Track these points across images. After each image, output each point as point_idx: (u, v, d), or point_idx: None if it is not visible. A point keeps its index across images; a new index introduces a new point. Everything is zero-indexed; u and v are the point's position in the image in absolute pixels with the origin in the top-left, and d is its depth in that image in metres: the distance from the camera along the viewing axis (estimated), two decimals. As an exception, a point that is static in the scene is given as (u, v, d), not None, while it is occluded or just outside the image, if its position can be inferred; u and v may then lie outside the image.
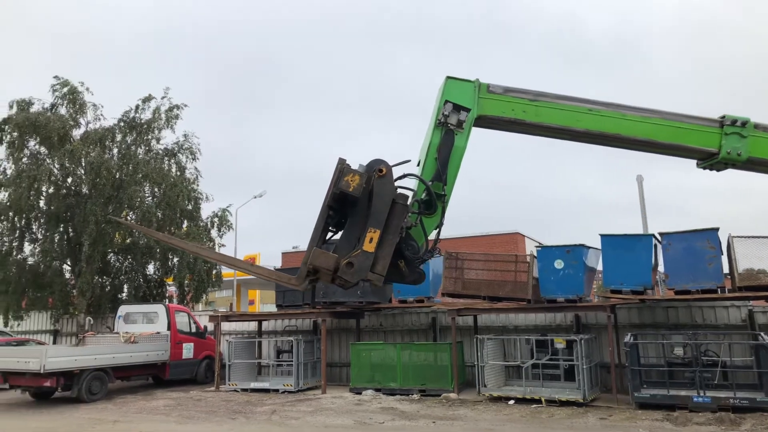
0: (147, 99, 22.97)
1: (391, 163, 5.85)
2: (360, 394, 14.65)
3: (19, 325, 22.16)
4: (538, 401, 12.61)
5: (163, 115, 23.06)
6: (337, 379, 17.20)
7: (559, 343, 13.25)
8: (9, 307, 20.98)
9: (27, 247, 21.76)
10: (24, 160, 21.20)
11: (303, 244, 30.09)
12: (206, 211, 24.01)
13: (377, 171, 5.64)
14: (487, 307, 14.52)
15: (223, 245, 24.74)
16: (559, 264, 13.27)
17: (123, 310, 18.28)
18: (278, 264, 31.28)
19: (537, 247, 14.23)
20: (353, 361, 15.32)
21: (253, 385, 15.94)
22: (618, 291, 12.88)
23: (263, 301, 42.43)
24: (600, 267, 14.02)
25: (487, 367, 13.60)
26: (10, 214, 20.74)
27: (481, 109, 6.51)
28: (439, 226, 6.15)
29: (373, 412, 12.23)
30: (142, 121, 22.88)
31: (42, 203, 21.48)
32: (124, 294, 23.03)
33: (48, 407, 13.97)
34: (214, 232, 24.07)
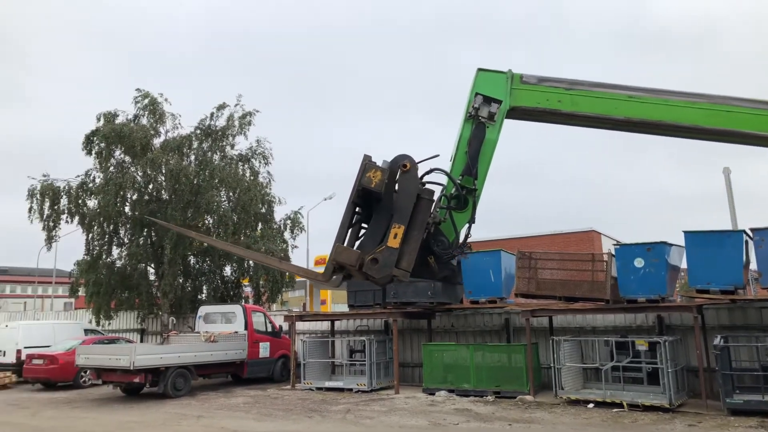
0: (221, 107, 23.87)
1: (425, 159, 5.76)
2: (433, 394, 14.59)
3: (109, 324, 23.57)
4: (620, 405, 12.10)
5: (236, 122, 23.90)
6: (410, 379, 17.21)
7: (641, 345, 12.68)
8: (100, 307, 22.36)
9: (115, 251, 23.15)
10: (111, 169, 22.53)
11: (372, 245, 30.26)
12: (279, 213, 24.72)
13: (401, 166, 5.54)
14: (563, 308, 14.10)
15: (296, 246, 25.37)
16: (639, 262, 12.69)
17: (203, 310, 19.08)
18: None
19: (615, 245, 13.69)
20: (425, 361, 15.28)
21: (328, 384, 16.21)
22: (705, 291, 12.16)
23: (334, 301, 43.09)
24: (684, 265, 13.31)
25: (564, 369, 13.20)
26: (100, 220, 22.06)
27: (514, 100, 6.31)
28: (471, 221, 5.94)
29: (447, 413, 12.14)
30: (217, 128, 23.80)
31: (127, 209, 22.75)
32: (203, 295, 24.04)
33: (137, 402, 14.76)
34: (287, 234, 24.76)
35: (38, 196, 22.01)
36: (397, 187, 5.52)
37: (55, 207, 22.11)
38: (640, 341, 12.73)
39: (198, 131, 23.78)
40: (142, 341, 23.58)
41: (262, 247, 21.59)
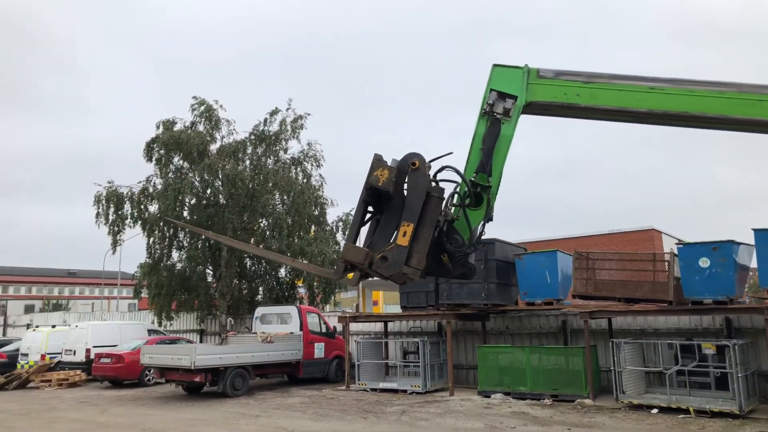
0: (274, 112, 24.34)
1: (437, 157, 5.70)
2: (488, 397, 14.42)
3: (170, 324, 24.41)
4: (686, 411, 11.62)
5: (288, 126, 24.31)
6: (464, 381, 17.07)
7: (708, 349, 12.13)
8: (162, 309, 23.17)
9: (175, 254, 23.95)
10: (170, 174, 23.33)
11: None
12: (332, 215, 25.02)
13: (410, 164, 5.49)
14: (623, 309, 13.67)
15: (350, 248, 25.54)
16: (704, 262, 12.15)
17: (259, 311, 19.49)
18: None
19: (677, 244, 13.14)
20: (480, 363, 15.12)
21: (382, 385, 16.27)
22: (777, 291, 11.55)
23: (386, 302, 43.23)
24: (753, 265, 12.67)
25: (625, 372, 12.78)
26: (161, 224, 22.89)
27: (531, 95, 6.18)
28: (486, 218, 5.81)
29: (504, 416, 11.97)
30: (270, 133, 24.27)
31: (186, 213, 23.49)
32: (259, 296, 24.56)
33: (198, 401, 15.21)
34: (339, 236, 25.00)
35: (104, 202, 23.00)
36: (406, 186, 5.52)
37: (120, 212, 23.06)
38: (707, 344, 12.17)
39: (252, 136, 24.31)
40: (201, 342, 24.30)
41: (315, 249, 21.87)
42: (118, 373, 18.28)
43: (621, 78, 6.27)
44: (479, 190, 5.75)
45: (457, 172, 5.80)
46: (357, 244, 5.71)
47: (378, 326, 19.50)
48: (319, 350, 18.24)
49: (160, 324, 23.86)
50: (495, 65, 6.32)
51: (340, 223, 25.07)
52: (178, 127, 23.67)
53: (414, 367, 16.56)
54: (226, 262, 21.93)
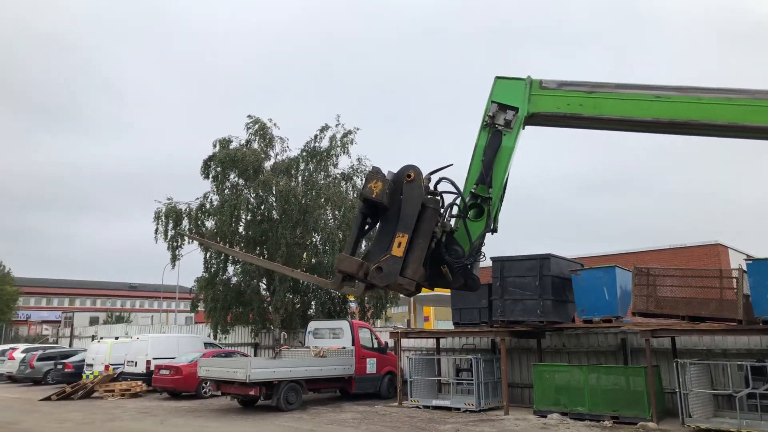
0: (324, 128, 24.73)
1: (437, 169, 5.73)
2: (545, 417, 14.01)
3: (225, 338, 24.94)
4: (759, 438, 10.96)
5: (338, 142, 24.62)
6: (519, 400, 16.66)
7: (782, 371, 11.42)
8: (218, 322, 23.71)
9: (230, 269, 24.47)
10: (226, 191, 23.98)
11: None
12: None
13: (406, 176, 5.55)
14: (688, 328, 13.06)
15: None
16: (776, 279, 11.50)
17: (312, 325, 19.66)
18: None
19: (746, 260, 12.49)
20: (536, 382, 14.73)
21: (435, 402, 16.07)
22: None
23: (437, 318, 42.87)
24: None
25: (692, 395, 12.18)
26: (217, 239, 23.51)
27: (534, 106, 6.13)
28: (490, 230, 5.78)
29: (562, 438, 11.58)
30: (321, 149, 24.64)
31: (241, 229, 24.06)
32: (311, 310, 24.78)
33: (253, 414, 15.42)
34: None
35: (163, 218, 23.85)
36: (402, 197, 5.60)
37: (178, 228, 23.84)
38: (781, 367, 11.47)
39: (304, 153, 24.74)
40: (255, 355, 24.68)
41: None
42: (177, 385, 18.76)
43: (626, 87, 6.21)
44: (480, 201, 5.77)
45: (453, 183, 5.84)
46: (358, 255, 5.80)
47: (430, 342, 19.33)
48: (371, 365, 18.20)
49: (215, 337, 24.40)
50: (497, 77, 6.32)
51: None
52: (233, 145, 24.35)
53: (467, 384, 16.31)
54: (280, 276, 22.27)
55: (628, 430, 12.33)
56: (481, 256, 5.87)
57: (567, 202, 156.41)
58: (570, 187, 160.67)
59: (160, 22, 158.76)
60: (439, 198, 5.68)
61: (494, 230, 5.96)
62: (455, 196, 5.80)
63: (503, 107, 6.09)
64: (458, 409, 15.39)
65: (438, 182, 5.79)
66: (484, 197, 5.74)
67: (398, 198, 5.55)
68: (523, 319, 15.11)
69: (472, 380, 15.51)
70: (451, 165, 5.93)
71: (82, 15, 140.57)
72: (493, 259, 15.80)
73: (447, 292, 27.01)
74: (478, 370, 15.38)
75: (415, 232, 5.39)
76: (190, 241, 23.97)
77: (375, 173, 5.62)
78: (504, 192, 6.06)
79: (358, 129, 24.94)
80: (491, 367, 16.08)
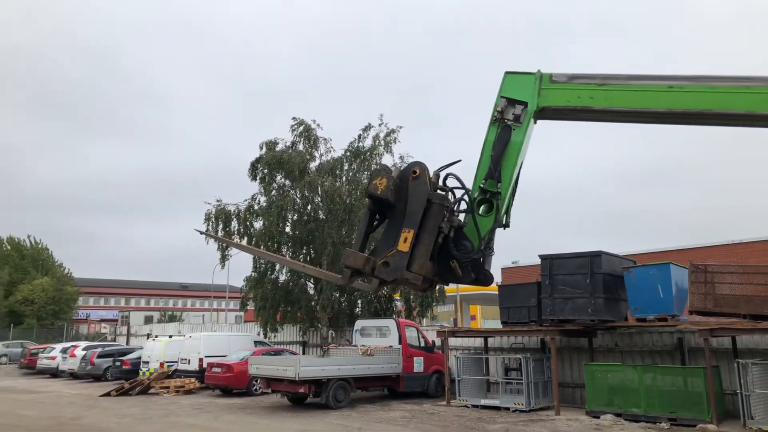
0: (367, 128, 24.85)
1: (446, 165, 5.80)
2: (598, 418, 13.69)
3: (275, 336, 25.37)
4: (830, 442, 10.41)
5: (381, 141, 24.68)
6: (570, 400, 16.32)
7: None
8: (267, 321, 24.16)
9: (278, 268, 24.90)
10: (273, 192, 24.41)
11: (522, 260, 29.48)
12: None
13: (411, 173, 5.62)
14: (749, 327, 12.51)
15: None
16: None
17: (359, 324, 19.78)
18: (499, 280, 31.04)
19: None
20: (588, 382, 14.41)
21: (483, 401, 15.92)
22: None
23: (484, 317, 42.51)
24: None
25: (754, 396, 11.69)
26: (266, 239, 23.94)
27: (543, 100, 6.09)
28: (501, 225, 5.80)
29: (616, 440, 11.30)
30: (365, 149, 24.77)
31: (288, 229, 24.44)
32: (358, 309, 24.95)
33: (302, 411, 15.64)
34: (435, 249, 24.92)
35: (213, 219, 24.46)
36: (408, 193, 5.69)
37: (227, 229, 24.41)
38: None
39: (348, 153, 24.93)
40: (303, 353, 25.01)
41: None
42: (228, 382, 19.20)
43: (638, 78, 6.15)
44: (489, 196, 5.78)
45: (458, 179, 5.93)
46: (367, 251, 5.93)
47: (478, 341, 19.16)
48: (418, 364, 18.19)
49: (265, 335, 24.86)
50: (507, 72, 6.32)
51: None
52: (279, 147, 24.76)
53: (516, 384, 16.10)
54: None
55: (687, 433, 11.93)
56: (491, 251, 5.91)
57: (611, 196, 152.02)
58: (614, 180, 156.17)
59: (194, 28, 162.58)
60: (445, 194, 5.75)
61: (506, 225, 6.02)
62: (463, 191, 5.87)
63: (512, 102, 6.09)
64: (508, 408, 15.21)
65: (445, 178, 5.86)
66: (492, 192, 5.75)
67: (405, 195, 5.63)
68: (573, 318, 14.79)
69: (522, 380, 15.31)
70: (460, 161, 6.03)
71: (118, 23, 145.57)
72: (542, 257, 15.54)
73: (494, 291, 26.72)
74: (528, 369, 15.15)
75: (421, 227, 5.47)
76: (269, 241, 24.38)
77: (380, 170, 5.73)
78: (516, 187, 6.11)
79: (401, 127, 24.99)
80: (541, 367, 15.82)
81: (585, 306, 14.47)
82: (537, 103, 6.08)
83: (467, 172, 5.95)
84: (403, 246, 5.39)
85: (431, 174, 5.83)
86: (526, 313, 16.14)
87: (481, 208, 5.77)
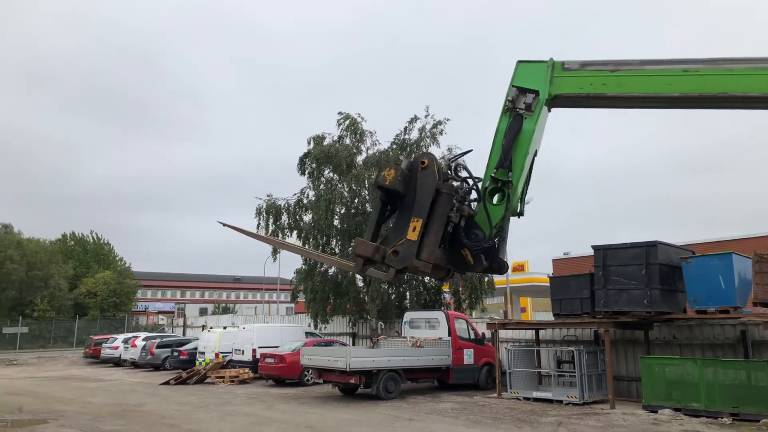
0: (413, 120, 24.78)
1: (458, 155, 5.85)
2: (655, 412, 13.32)
3: (325, 327, 25.75)
4: None
5: (428, 133, 24.56)
6: (626, 393, 15.94)
7: None
8: (317, 312, 24.54)
9: (328, 259, 25.19)
10: (321, 186, 24.69)
11: (574, 251, 28.89)
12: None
13: (420, 163, 5.71)
14: (819, 319, 11.90)
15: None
16: None
17: (408, 316, 19.85)
18: (549, 272, 30.54)
19: None
20: (644, 375, 14.02)
21: (536, 394, 15.73)
22: None
23: (535, 309, 41.91)
24: None
25: (825, 392, 11.10)
26: (315, 232, 24.28)
27: (556, 88, 6.08)
28: (510, 213, 5.80)
29: (675, 435, 10.97)
30: (411, 141, 24.71)
31: (336, 222, 24.69)
32: (407, 300, 25.01)
33: (353, 402, 15.84)
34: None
35: (264, 213, 24.95)
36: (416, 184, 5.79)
37: (278, 223, 24.86)
38: None
39: (394, 146, 24.93)
40: (353, 344, 25.28)
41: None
42: (281, 373, 19.62)
43: (652, 63, 6.08)
44: (500, 185, 5.82)
45: (466, 169, 6.06)
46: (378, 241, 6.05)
47: (529, 334, 18.93)
48: (468, 356, 18.11)
49: (316, 327, 25.25)
50: (519, 61, 6.30)
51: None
52: (327, 141, 24.99)
53: (569, 376, 15.83)
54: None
55: (750, 428, 11.47)
56: (504, 240, 5.96)
57: (666, 184, 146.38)
58: (668, 168, 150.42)
59: (230, 29, 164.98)
60: (454, 184, 5.86)
61: (520, 214, 6.06)
62: (474, 181, 5.98)
63: (523, 91, 6.10)
64: (560, 401, 14.98)
65: (456, 168, 6.00)
66: (504, 181, 5.79)
67: (414, 185, 5.75)
68: (628, 310, 14.40)
69: (575, 372, 15.04)
70: (471, 150, 6.27)
71: (156, 25, 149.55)
72: (595, 247, 15.19)
73: (545, 282, 26.28)
74: (581, 362, 14.87)
75: (429, 216, 5.59)
76: (318, 234, 24.80)
77: (389, 162, 5.90)
78: (530, 176, 6.14)
79: (448, 119, 24.80)
80: (594, 359, 15.49)
81: (640, 297, 14.06)
82: (549, 91, 6.10)
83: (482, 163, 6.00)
84: (412, 235, 5.52)
85: (444, 164, 5.97)
86: (579, 305, 15.82)
87: (495, 197, 5.83)
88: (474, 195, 5.93)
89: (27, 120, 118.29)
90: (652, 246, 14.23)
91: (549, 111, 6.25)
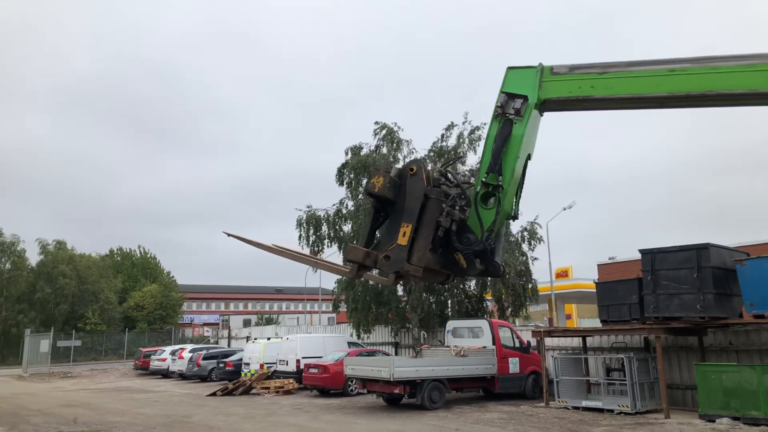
0: (449, 127, 24.66)
1: (449, 162, 5.77)
2: (713, 421, 12.80)
3: (367, 337, 25.75)
4: None
5: (465, 139, 24.38)
6: (680, 402, 15.36)
7: None
8: (359, 322, 24.57)
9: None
10: (359, 196, 24.79)
11: (620, 255, 28.18)
12: (515, 226, 24.44)
13: (409, 170, 5.87)
14: None
15: (536, 258, 24.89)
16: None
17: (450, 324, 19.66)
18: (595, 276, 29.85)
19: None
20: (699, 383, 13.49)
21: (585, 403, 15.32)
22: None
23: (580, 315, 41.00)
24: None
25: None
26: (355, 242, 24.35)
27: (545, 92, 6.21)
28: (501, 216, 5.88)
29: (736, 446, 10.50)
30: (449, 148, 24.58)
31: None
32: (448, 309, 24.82)
33: (398, 412, 15.74)
34: (524, 246, 24.39)
35: (304, 224, 25.22)
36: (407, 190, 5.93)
37: (318, 233, 25.07)
38: None
39: (431, 153, 24.86)
40: (396, 354, 25.20)
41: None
42: (325, 383, 19.68)
43: (638, 64, 6.20)
44: (491, 189, 5.93)
45: (453, 175, 6.35)
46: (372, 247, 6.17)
47: (575, 341, 18.49)
48: (513, 365, 17.81)
49: (358, 336, 25.28)
50: (509, 68, 6.42)
51: (525, 233, 24.47)
52: (364, 151, 25.12)
53: (619, 385, 15.37)
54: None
55: (818, 439, 10.88)
56: (499, 243, 6.07)
57: (701, 185, 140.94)
58: (704, 168, 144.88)
59: (244, 41, 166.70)
60: (441, 190, 6.02)
61: (514, 217, 6.24)
62: (466, 186, 6.15)
63: (512, 96, 6.24)
64: (611, 411, 14.55)
65: (444, 174, 6.25)
66: (494, 185, 5.92)
67: (404, 192, 5.92)
68: (680, 315, 13.91)
69: (625, 380, 14.59)
70: (462, 157, 6.34)
71: (180, 43, 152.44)
72: (642, 251, 14.76)
73: (590, 288, 25.71)
74: (632, 369, 14.42)
75: (419, 221, 5.75)
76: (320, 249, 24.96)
77: (375, 170, 6.12)
78: (523, 179, 6.22)
79: (485, 124, 24.58)
80: (646, 367, 15.00)
81: (693, 302, 13.57)
82: (538, 96, 6.23)
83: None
84: (402, 240, 5.68)
85: (435, 171, 6.23)
86: (627, 310, 15.38)
87: (490, 200, 5.96)
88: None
89: (65, 139, 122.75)
90: (703, 248, 13.74)
91: (541, 115, 6.41)
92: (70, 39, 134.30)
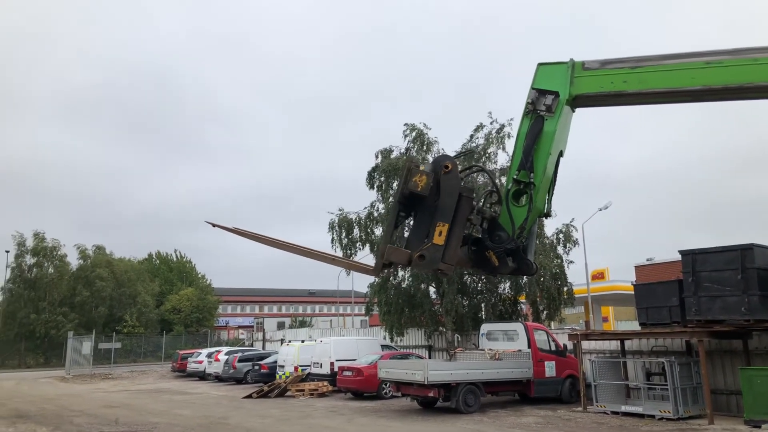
0: (478, 128, 24.45)
1: (459, 155, 5.58)
2: (759, 427, 12.40)
3: (401, 340, 25.70)
4: None
5: (493, 139, 24.12)
6: (725, 408, 14.89)
7: None
8: (392, 325, 24.53)
9: (400, 273, 25.19)
10: (390, 199, 24.76)
11: (657, 257, 27.51)
12: (550, 228, 24.09)
13: (443, 167, 5.73)
14: None
15: (571, 262, 24.49)
16: None
17: (485, 327, 19.46)
18: (632, 278, 29.19)
19: None
20: (745, 388, 13.06)
21: (624, 408, 14.99)
22: None
23: (617, 318, 40.17)
24: None
25: None
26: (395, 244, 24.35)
27: (576, 88, 6.09)
28: (533, 214, 5.78)
29: (785, 454, 10.12)
30: (478, 148, 24.36)
31: (407, 234, 24.63)
32: (482, 312, 24.59)
33: (432, 415, 15.66)
34: (559, 249, 24.01)
35: (336, 227, 25.33)
36: (440, 188, 5.80)
37: (350, 236, 25.15)
38: None
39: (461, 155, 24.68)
40: (429, 357, 25.07)
41: (536, 262, 21.24)
42: (359, 386, 19.71)
43: (673, 57, 6.05)
44: (522, 187, 5.86)
45: (487, 171, 6.94)
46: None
47: (613, 344, 18.10)
48: (549, 369, 17.53)
49: (391, 339, 25.24)
50: (539, 64, 6.32)
51: (560, 235, 24.09)
52: (394, 154, 25.10)
53: (660, 389, 15.00)
54: (448, 279, 22.41)
55: None
56: (531, 241, 5.97)
57: (723, 183, 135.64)
58: (725, 166, 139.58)
59: (236, 46, 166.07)
60: (472, 187, 6.05)
61: (547, 214, 6.17)
62: (495, 184, 6.14)
63: (543, 93, 6.15)
64: (652, 416, 14.19)
65: (470, 170, 6.72)
66: (526, 183, 5.84)
67: (435, 189, 5.81)
68: (723, 318, 13.52)
69: (666, 385, 14.22)
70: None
71: (169, 46, 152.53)
72: (683, 252, 14.40)
73: (627, 290, 25.22)
74: (673, 374, 14.06)
75: (453, 220, 5.68)
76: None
77: (416, 168, 5.93)
78: (555, 176, 6.15)
79: (511, 120, 24.25)
80: (688, 371, 14.60)
81: (737, 305, 13.17)
82: (570, 92, 6.14)
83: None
84: (438, 239, 5.61)
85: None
86: (667, 313, 15.02)
87: (522, 198, 5.89)
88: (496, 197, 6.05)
89: (87, 150, 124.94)
90: (747, 249, 13.33)
91: (573, 111, 6.31)
92: (70, 54, 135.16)
